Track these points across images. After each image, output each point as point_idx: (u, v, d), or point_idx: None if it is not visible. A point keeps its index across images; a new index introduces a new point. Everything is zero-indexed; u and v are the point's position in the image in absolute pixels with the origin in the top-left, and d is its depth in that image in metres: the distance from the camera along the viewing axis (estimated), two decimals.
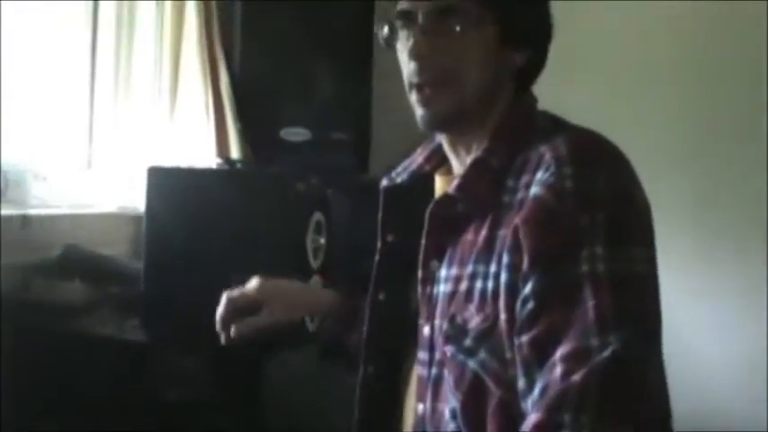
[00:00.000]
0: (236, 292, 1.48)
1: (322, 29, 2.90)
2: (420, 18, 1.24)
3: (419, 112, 1.26)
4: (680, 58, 3.11)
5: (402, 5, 1.26)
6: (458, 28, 1.22)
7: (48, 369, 1.90)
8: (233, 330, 1.44)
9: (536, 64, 1.30)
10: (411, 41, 1.24)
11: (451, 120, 1.26)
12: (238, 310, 1.46)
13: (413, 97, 1.26)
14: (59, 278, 2.09)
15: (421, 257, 1.26)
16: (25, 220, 2.06)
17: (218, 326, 1.46)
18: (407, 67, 1.26)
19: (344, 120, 2.93)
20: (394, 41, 1.29)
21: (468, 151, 1.28)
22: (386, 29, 1.29)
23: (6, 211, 2.05)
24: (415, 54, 1.24)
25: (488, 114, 1.26)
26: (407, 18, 1.26)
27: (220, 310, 1.46)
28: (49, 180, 2.35)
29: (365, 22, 1.28)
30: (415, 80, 1.25)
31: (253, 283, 1.49)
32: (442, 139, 1.33)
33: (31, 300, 1.98)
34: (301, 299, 1.55)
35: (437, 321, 1.22)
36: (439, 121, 1.26)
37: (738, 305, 3.00)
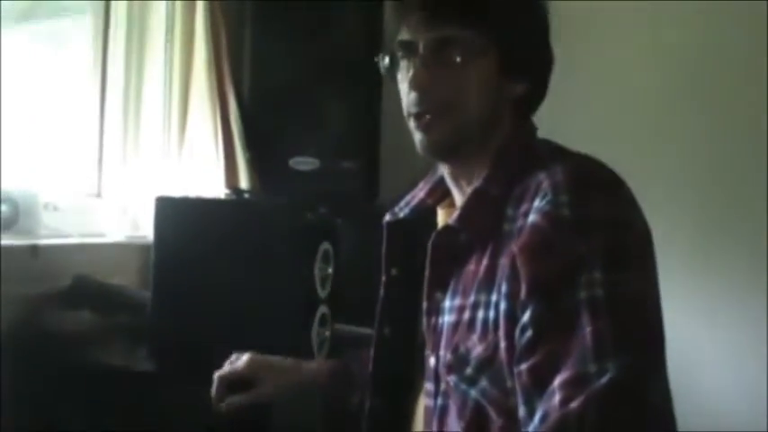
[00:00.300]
0: (225, 369, 1.52)
1: (331, 58, 2.91)
2: (421, 49, 1.24)
3: (418, 137, 1.26)
4: (683, 83, 3.12)
5: (403, 36, 1.27)
6: (458, 59, 1.22)
7: (56, 399, 1.89)
8: (223, 407, 1.47)
9: (536, 94, 1.31)
10: (411, 72, 1.25)
11: (450, 148, 1.26)
12: (230, 388, 1.49)
13: (411, 124, 1.27)
14: (68, 308, 2.09)
15: (425, 289, 1.26)
16: (35, 249, 2.07)
17: (213, 404, 1.50)
18: (407, 97, 1.27)
19: (353, 149, 2.94)
20: (395, 72, 1.30)
21: (470, 182, 1.28)
22: (387, 59, 1.30)
23: (16, 241, 2.05)
24: (415, 85, 1.24)
25: (488, 144, 1.27)
26: (408, 49, 1.26)
27: (213, 389, 1.50)
28: (59, 209, 2.35)
29: (373, 52, 1.29)
30: (414, 110, 1.25)
31: (243, 358, 1.52)
32: (443, 170, 1.34)
33: (39, 330, 1.98)
34: (292, 376, 1.55)
35: (442, 352, 1.22)
36: (438, 148, 1.27)
37: (741, 330, 3.01)
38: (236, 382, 1.50)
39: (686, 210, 3.08)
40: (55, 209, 2.33)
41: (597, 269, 1.06)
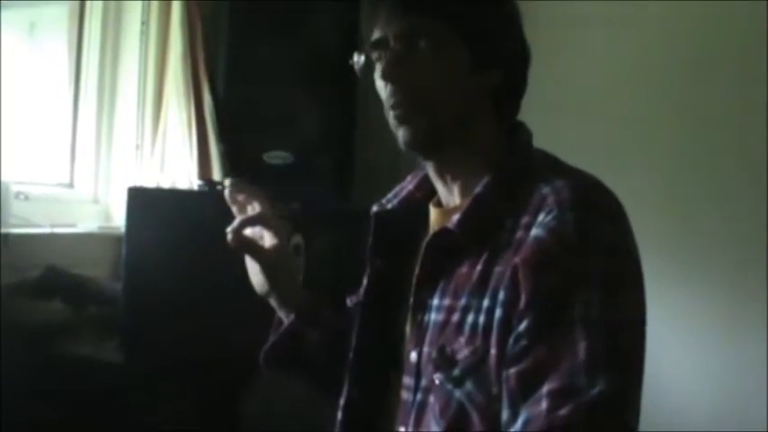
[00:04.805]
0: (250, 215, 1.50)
1: (307, 54, 2.91)
2: (391, 42, 1.25)
3: (398, 132, 1.27)
4: (656, 92, 3.14)
5: (375, 35, 1.28)
6: (427, 47, 1.24)
7: (25, 389, 1.89)
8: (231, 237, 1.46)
9: (513, 85, 1.31)
10: (383, 64, 1.26)
11: (430, 142, 1.27)
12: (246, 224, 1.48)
13: (391, 121, 1.28)
14: (39, 298, 2.08)
15: (414, 285, 1.27)
16: (5, 239, 2.05)
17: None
18: (384, 92, 1.27)
19: (328, 145, 2.94)
20: (371, 73, 1.30)
21: (455, 178, 1.29)
22: (362, 59, 1.31)
23: None
24: (387, 75, 1.25)
25: (468, 137, 1.27)
26: (381, 46, 1.27)
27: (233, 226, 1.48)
28: (30, 199, 2.34)
29: (350, 49, 1.31)
30: (390, 102, 1.26)
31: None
32: (427, 167, 1.34)
33: (9, 320, 1.97)
34: (286, 262, 1.55)
35: (426, 349, 1.22)
36: (419, 142, 1.27)
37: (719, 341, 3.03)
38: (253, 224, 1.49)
39: (667, 217, 3.09)
40: (26, 198, 2.32)
41: (596, 290, 1.08)
